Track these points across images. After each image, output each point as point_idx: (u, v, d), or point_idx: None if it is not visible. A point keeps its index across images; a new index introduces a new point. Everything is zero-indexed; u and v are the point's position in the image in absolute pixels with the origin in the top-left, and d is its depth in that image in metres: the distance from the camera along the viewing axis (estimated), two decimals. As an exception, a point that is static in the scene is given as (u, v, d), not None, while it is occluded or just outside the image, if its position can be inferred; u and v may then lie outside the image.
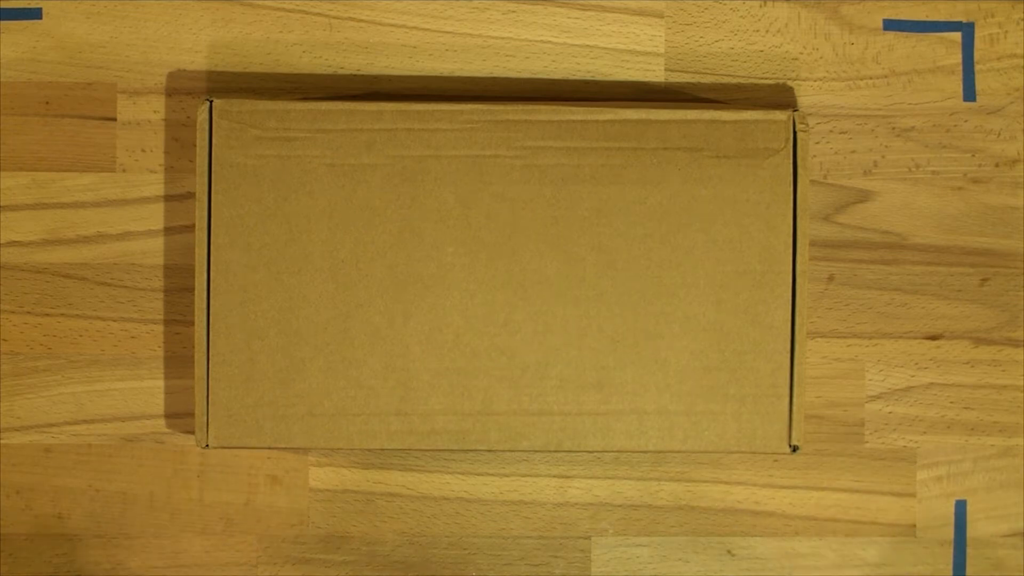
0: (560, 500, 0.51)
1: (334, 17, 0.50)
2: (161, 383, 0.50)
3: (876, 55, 0.51)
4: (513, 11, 0.50)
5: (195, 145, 0.47)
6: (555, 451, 0.48)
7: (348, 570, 0.50)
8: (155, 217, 0.50)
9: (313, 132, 0.46)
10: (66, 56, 0.50)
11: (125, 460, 0.50)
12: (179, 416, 0.50)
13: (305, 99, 0.47)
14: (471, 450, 0.47)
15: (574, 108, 0.46)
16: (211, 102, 0.46)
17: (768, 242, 0.46)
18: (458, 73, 0.50)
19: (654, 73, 0.51)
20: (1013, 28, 0.51)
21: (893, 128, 0.51)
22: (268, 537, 0.50)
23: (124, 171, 0.50)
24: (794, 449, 0.47)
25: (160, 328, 0.50)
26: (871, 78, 0.51)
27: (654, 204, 0.46)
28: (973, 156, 0.51)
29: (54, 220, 0.50)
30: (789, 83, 0.51)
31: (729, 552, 0.51)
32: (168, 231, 0.50)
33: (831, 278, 0.51)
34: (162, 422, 0.50)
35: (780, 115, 0.46)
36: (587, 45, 0.50)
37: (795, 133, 0.46)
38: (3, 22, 0.50)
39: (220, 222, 0.46)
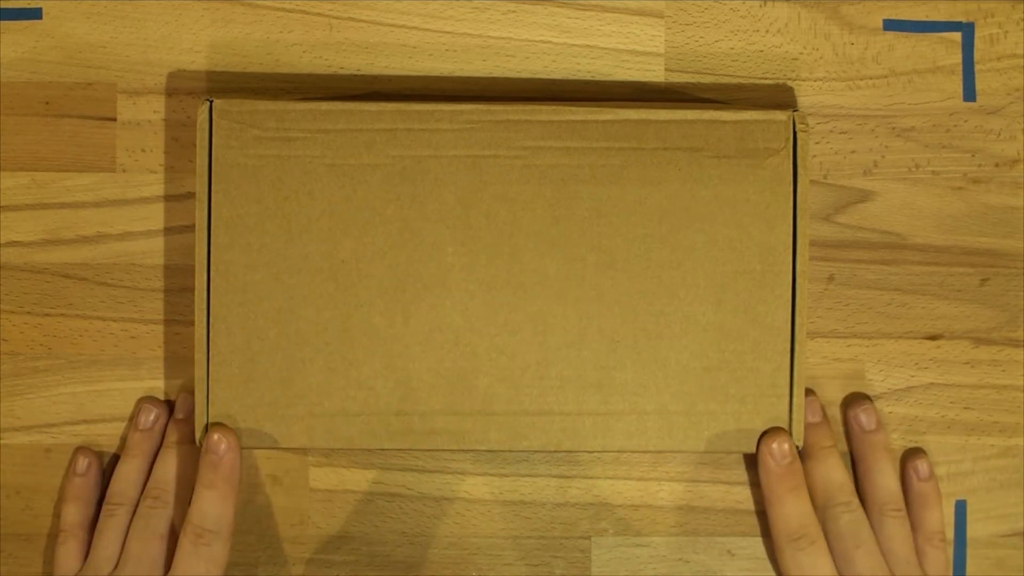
0: (560, 500, 0.51)
1: (334, 17, 0.50)
2: (161, 383, 0.50)
3: (876, 55, 0.51)
4: (513, 11, 0.50)
5: (195, 145, 0.47)
6: (555, 451, 0.48)
7: (348, 570, 0.50)
8: (155, 217, 0.50)
9: (313, 132, 0.46)
10: (66, 56, 0.50)
11: (125, 460, 0.50)
12: (179, 416, 0.50)
13: (305, 99, 0.47)
14: (471, 450, 0.47)
15: (574, 108, 0.46)
16: (211, 102, 0.46)
17: (768, 242, 0.46)
18: (458, 73, 0.50)
19: (654, 73, 0.51)
20: (1013, 28, 0.51)
21: (893, 128, 0.51)
22: (268, 537, 0.50)
23: (124, 171, 0.50)
24: (794, 449, 0.47)
25: (160, 328, 0.50)
26: (871, 78, 0.51)
27: (654, 204, 0.46)
28: (973, 156, 0.51)
29: (54, 220, 0.50)
30: (789, 83, 0.51)
31: (729, 552, 0.51)
32: (168, 231, 0.50)
33: (831, 278, 0.51)
34: (162, 422, 0.50)
35: (780, 115, 0.46)
36: (587, 45, 0.50)
37: (795, 133, 0.46)
38: (3, 22, 0.50)
39: (220, 222, 0.46)
